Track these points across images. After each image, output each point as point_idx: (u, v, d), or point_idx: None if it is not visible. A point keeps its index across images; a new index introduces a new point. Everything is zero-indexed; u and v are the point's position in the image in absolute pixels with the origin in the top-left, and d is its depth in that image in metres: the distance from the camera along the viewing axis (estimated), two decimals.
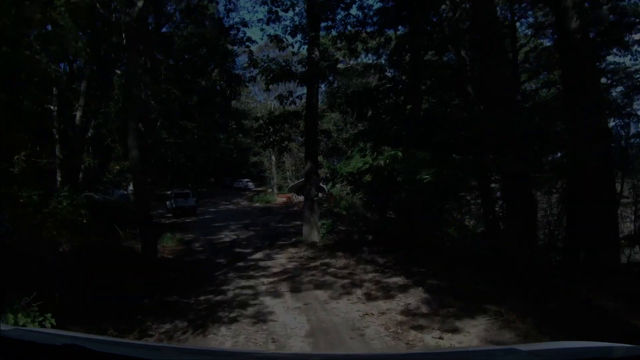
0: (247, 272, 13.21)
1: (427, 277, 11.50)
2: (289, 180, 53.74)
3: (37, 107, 17.55)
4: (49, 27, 13.93)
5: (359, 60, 45.73)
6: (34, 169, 16.96)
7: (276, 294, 10.49)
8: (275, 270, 13.55)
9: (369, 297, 10.08)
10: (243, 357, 2.78)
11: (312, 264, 14.28)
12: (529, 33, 21.69)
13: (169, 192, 36.26)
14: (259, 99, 56.63)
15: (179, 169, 54.09)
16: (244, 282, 11.81)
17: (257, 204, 46.20)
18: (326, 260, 14.77)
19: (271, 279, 12.17)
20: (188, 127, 31.43)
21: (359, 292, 10.53)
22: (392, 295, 10.11)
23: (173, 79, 27.80)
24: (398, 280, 11.47)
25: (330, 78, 26.68)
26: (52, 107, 19.75)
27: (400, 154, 13.00)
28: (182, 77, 29.78)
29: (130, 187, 20.63)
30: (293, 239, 20.10)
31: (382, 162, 12.53)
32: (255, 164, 65.03)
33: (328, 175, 21.79)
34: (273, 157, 51.71)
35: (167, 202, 35.69)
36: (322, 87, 24.42)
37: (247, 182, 60.48)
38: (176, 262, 15.33)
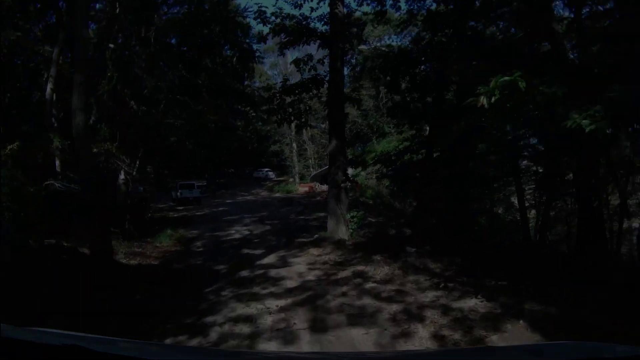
0: (250, 288, 9.18)
1: (517, 297, 7.37)
2: (311, 169, 49.72)
3: None
4: None
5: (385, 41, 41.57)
6: None
7: (287, 337, 6.35)
8: (290, 284, 9.48)
9: (442, 340, 5.94)
10: (246, 357, 2.81)
11: (342, 274, 10.18)
12: None
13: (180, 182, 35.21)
14: (274, 80, 52.61)
15: (192, 158, 50.55)
16: (241, 309, 7.75)
17: (277, 195, 42.34)
18: (360, 268, 10.65)
19: (283, 302, 8.08)
20: (198, 110, 27.37)
21: (421, 330, 6.38)
22: (479, 336, 5.97)
23: (175, 55, 23.84)
24: (476, 304, 7.33)
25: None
26: None
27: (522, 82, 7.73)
28: (187, 54, 25.76)
29: (122, 176, 17.06)
30: (315, 235, 16.07)
31: (483, 102, 7.60)
32: (275, 153, 61.06)
33: (356, 158, 17.72)
34: (294, 145, 47.76)
35: (173, 193, 34.60)
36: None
37: (267, 171, 56.64)
38: (158, 270, 11.39)
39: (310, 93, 16.57)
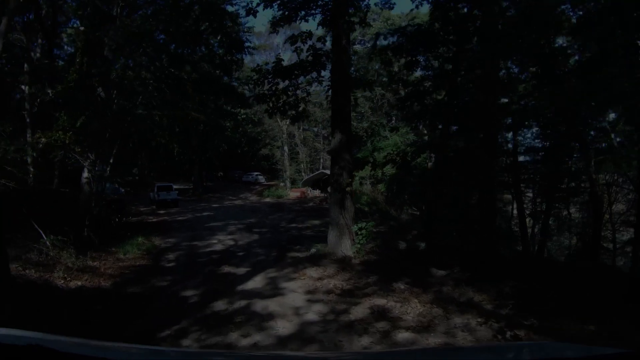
0: (224, 335, 6.17)
1: None
2: (302, 174, 46.72)
3: None
4: None
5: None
6: None
7: None
8: (283, 328, 6.48)
9: None
10: (219, 357, 2.70)
11: (356, 312, 7.23)
12: None
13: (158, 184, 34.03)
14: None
15: (178, 159, 47.38)
16: None
17: (267, 199, 39.38)
18: (379, 302, 7.76)
19: None
20: (181, 106, 24.34)
21: None
22: None
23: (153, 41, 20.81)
24: None
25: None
26: None
27: None
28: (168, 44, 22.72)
29: (85, 174, 14.28)
30: (312, 250, 13.17)
31: None
32: (266, 156, 58.08)
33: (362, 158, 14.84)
34: (286, 148, 44.73)
35: (151, 194, 33.27)
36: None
37: (257, 175, 53.61)
38: (102, 297, 8.19)
39: (310, 76, 13.58)
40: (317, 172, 44.41)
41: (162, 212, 27.66)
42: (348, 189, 12.35)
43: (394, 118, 44.93)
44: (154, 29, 20.88)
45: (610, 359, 1.97)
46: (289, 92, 13.54)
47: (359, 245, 12.22)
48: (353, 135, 13.93)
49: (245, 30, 27.84)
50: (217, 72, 27.31)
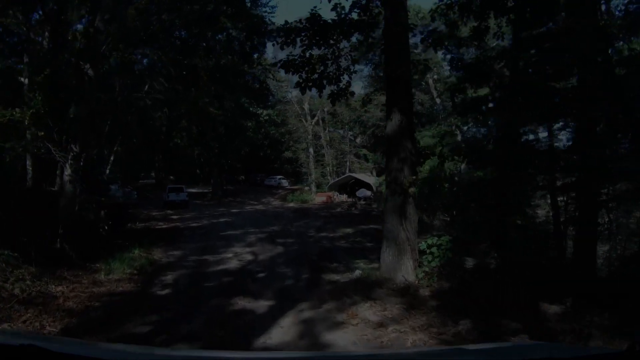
0: None
1: None
2: (328, 177, 43.30)
3: None
4: None
5: None
6: None
7: None
8: None
9: None
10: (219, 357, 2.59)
11: None
12: None
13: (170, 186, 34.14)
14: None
15: (197, 161, 44.39)
16: None
17: (291, 204, 36.06)
18: None
19: None
20: (193, 96, 21.09)
21: None
22: None
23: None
24: None
25: None
26: None
27: None
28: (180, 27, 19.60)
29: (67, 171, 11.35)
30: (357, 272, 9.77)
31: None
32: (289, 159, 54.85)
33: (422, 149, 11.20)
34: (311, 150, 41.32)
35: (164, 195, 32.55)
36: None
37: (280, 179, 50.38)
38: None
39: (354, 38, 10.09)
40: (344, 176, 40.99)
41: (174, 217, 24.49)
42: (411, 190, 8.80)
43: (423, 119, 41.39)
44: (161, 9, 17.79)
45: (607, 359, 1.98)
46: (327, 61, 10.02)
47: (426, 269, 8.68)
48: (413, 117, 10.24)
49: (268, 11, 24.45)
50: (235, 58, 24.01)
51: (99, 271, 9.68)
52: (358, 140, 46.28)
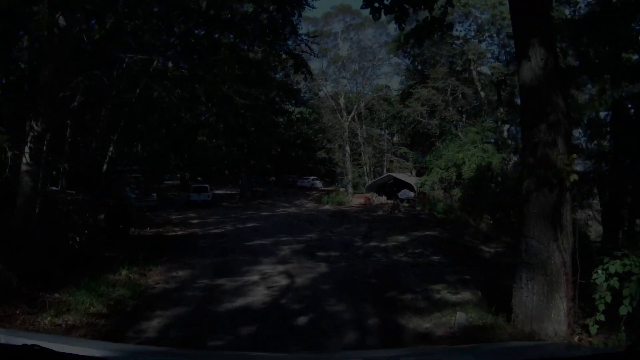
0: None
1: None
2: (365, 177, 39.14)
3: None
4: None
5: None
6: None
7: None
8: None
9: None
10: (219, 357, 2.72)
11: None
12: None
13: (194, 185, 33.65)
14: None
15: (225, 160, 40.93)
16: None
17: (326, 207, 32.16)
18: None
19: None
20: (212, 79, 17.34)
21: None
22: None
23: None
24: None
25: None
26: None
27: None
28: None
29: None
30: (458, 317, 5.82)
31: None
32: (322, 160, 50.96)
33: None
34: (347, 148, 37.22)
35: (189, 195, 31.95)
36: None
37: (313, 180, 46.47)
38: None
39: None
40: (383, 176, 36.89)
41: (194, 221, 20.94)
42: (572, 177, 4.76)
43: (463, 116, 36.93)
44: None
45: (607, 359, 1.94)
46: None
47: (600, 317, 4.63)
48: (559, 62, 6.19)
49: None
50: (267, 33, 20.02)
51: (47, 309, 6.02)
52: (395, 138, 41.98)
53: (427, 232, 17.73)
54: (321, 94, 41.44)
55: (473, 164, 27.16)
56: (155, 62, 14.75)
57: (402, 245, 14.45)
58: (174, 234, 16.54)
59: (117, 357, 2.06)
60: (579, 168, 12.30)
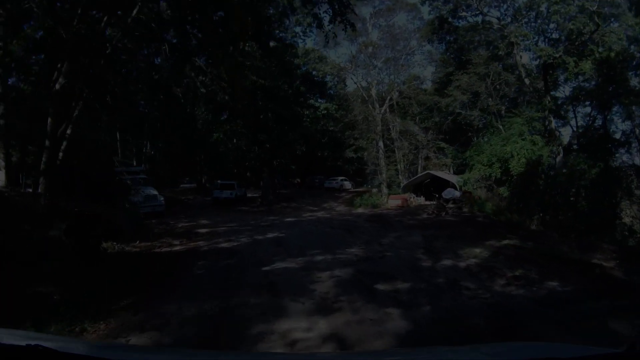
0: None
1: None
2: (400, 177, 34.04)
3: None
4: None
5: None
6: None
7: None
8: None
9: None
10: (219, 357, 2.52)
11: None
12: None
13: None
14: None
15: (245, 159, 36.45)
16: None
17: (360, 210, 27.42)
18: None
19: None
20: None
21: None
22: None
23: None
24: None
25: None
26: None
27: None
28: None
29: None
30: None
31: None
32: (350, 159, 46.24)
33: None
34: (381, 143, 32.18)
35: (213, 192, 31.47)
36: None
37: (342, 180, 41.72)
38: None
39: None
40: (421, 174, 31.91)
41: (203, 230, 16.41)
42: None
43: (502, 108, 31.70)
44: None
45: (607, 359, 1.91)
46: None
47: None
48: None
49: None
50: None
51: None
52: (430, 133, 36.43)
53: (505, 242, 13.13)
54: (350, 84, 36.86)
55: (522, 158, 23.73)
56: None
57: (487, 264, 9.75)
58: (168, 250, 11.96)
59: (119, 358, 2.00)
60: None
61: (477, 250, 11.44)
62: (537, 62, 31.16)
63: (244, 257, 10.36)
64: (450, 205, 25.09)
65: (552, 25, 30.21)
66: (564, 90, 34.19)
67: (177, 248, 12.37)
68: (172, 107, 24.16)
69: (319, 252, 10.76)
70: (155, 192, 23.29)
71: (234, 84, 17.74)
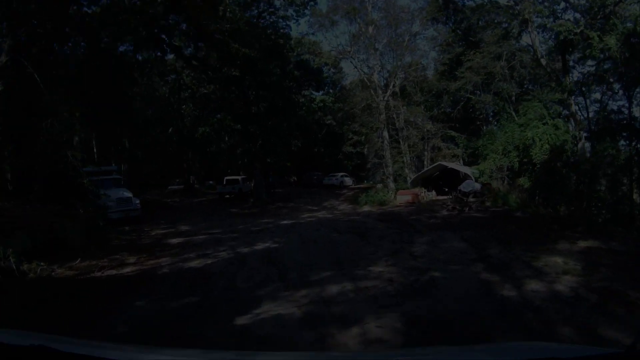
0: None
1: None
2: (406, 170, 30.03)
3: None
4: None
5: None
6: None
7: None
8: None
9: None
10: (220, 357, 2.36)
11: None
12: None
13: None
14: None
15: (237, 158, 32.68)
16: None
17: (365, 208, 23.58)
18: None
19: None
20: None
21: None
22: None
23: None
24: None
25: None
26: None
27: None
28: None
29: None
30: None
31: None
32: (350, 155, 42.46)
33: None
34: (385, 133, 28.09)
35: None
36: None
37: (342, 176, 37.70)
38: None
39: None
40: (433, 165, 28.07)
41: (177, 240, 12.62)
42: None
43: (513, 95, 27.98)
44: None
45: (607, 359, 1.83)
46: None
47: None
48: None
49: None
50: None
51: None
52: (430, 126, 32.22)
53: (581, 243, 9.41)
54: (349, 72, 33.01)
55: (545, 144, 21.35)
56: None
57: (597, 284, 6.31)
58: (113, 273, 8.11)
59: (122, 358, 1.94)
60: None
61: (559, 260, 7.75)
62: (547, 43, 27.83)
63: (213, 289, 6.47)
64: (471, 199, 21.34)
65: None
66: (581, 71, 30.64)
67: (127, 270, 8.54)
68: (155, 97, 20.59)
69: (330, 275, 6.92)
70: (129, 195, 19.47)
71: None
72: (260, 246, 10.56)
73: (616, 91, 30.04)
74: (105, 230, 13.49)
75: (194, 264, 8.85)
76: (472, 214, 18.39)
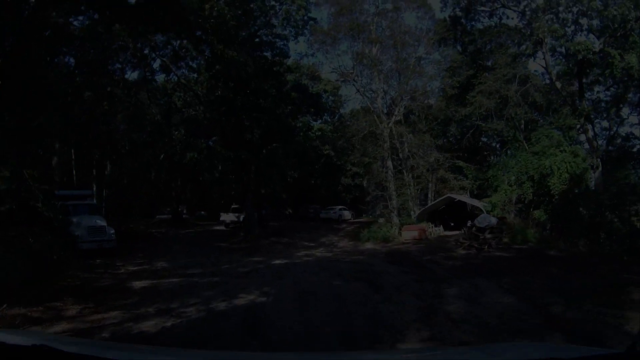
0: None
1: None
2: (410, 203, 27.48)
3: None
4: None
5: None
6: None
7: None
8: None
9: None
10: (220, 357, 2.39)
11: None
12: None
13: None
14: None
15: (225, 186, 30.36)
16: None
17: (368, 245, 21.18)
18: None
19: None
20: None
21: None
22: None
23: None
24: None
25: None
26: None
27: None
28: None
29: None
30: None
31: None
32: (348, 187, 40.20)
33: None
34: (389, 163, 25.72)
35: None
36: None
37: (340, 210, 35.28)
38: None
39: None
40: (442, 198, 25.70)
41: (142, 283, 10.16)
42: None
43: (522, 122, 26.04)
44: None
45: (607, 359, 1.86)
46: None
47: None
48: None
49: None
50: None
51: None
52: (442, 153, 29.86)
53: None
54: (349, 99, 31.07)
55: (565, 173, 19.66)
56: None
57: None
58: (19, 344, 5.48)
59: (123, 358, 1.93)
60: None
61: None
62: (559, 66, 26.15)
63: None
64: (488, 235, 18.90)
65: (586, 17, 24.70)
66: (590, 97, 29.05)
67: (56, 329, 6.07)
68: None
69: None
70: (103, 223, 17.07)
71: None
72: (242, 300, 7.94)
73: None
74: (60, 266, 10.94)
75: (148, 326, 6.27)
76: (493, 252, 16.06)
